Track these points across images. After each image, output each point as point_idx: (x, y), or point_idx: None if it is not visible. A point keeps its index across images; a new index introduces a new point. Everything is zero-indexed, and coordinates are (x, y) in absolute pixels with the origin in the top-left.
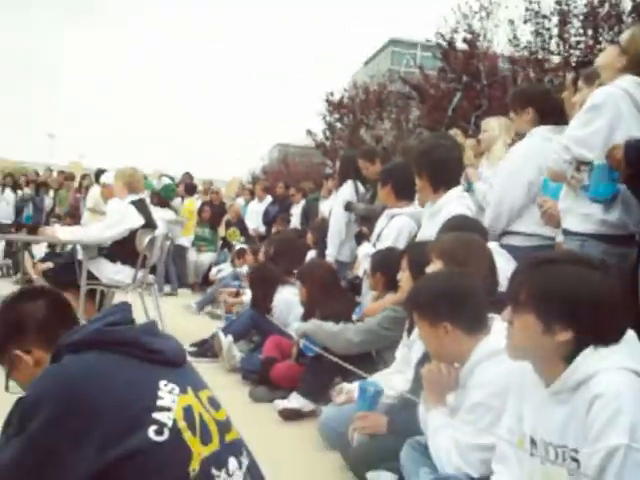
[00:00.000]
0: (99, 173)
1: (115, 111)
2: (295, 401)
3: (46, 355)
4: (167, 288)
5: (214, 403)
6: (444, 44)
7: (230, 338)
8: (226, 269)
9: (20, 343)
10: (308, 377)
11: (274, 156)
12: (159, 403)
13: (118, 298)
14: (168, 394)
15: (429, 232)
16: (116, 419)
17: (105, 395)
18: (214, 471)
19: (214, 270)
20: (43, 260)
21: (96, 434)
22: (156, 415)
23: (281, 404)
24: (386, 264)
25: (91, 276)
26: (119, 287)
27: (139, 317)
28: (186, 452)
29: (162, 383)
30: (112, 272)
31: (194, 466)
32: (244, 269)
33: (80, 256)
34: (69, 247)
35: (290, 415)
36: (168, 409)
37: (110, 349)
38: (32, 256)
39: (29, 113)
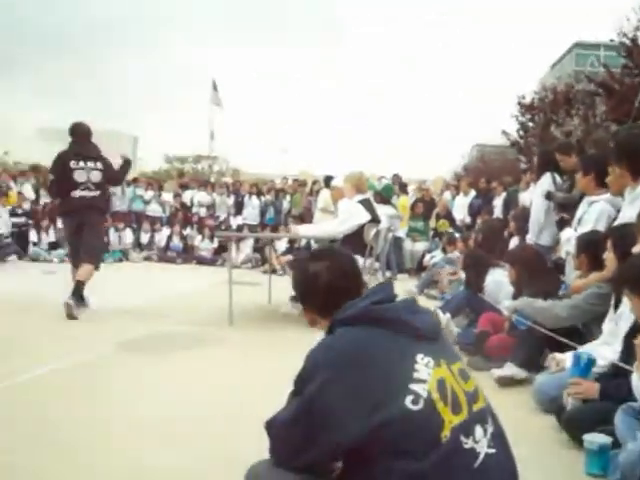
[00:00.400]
0: (328, 179)
1: (334, 124)
2: (509, 369)
3: (324, 321)
4: (388, 274)
5: (464, 375)
6: (627, 42)
7: (448, 315)
8: (437, 255)
9: (309, 302)
10: (520, 348)
11: (473, 155)
12: (415, 375)
13: None
14: (424, 367)
15: (629, 215)
16: (379, 389)
17: (371, 367)
18: (462, 438)
19: (427, 257)
20: (284, 253)
21: (362, 402)
22: (413, 386)
23: (497, 372)
24: (590, 246)
25: None
26: None
27: None
28: (438, 420)
29: (419, 357)
30: None
31: (445, 433)
32: (455, 255)
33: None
34: (304, 242)
35: (506, 382)
36: (424, 381)
37: (376, 324)
38: (275, 250)
39: (266, 132)
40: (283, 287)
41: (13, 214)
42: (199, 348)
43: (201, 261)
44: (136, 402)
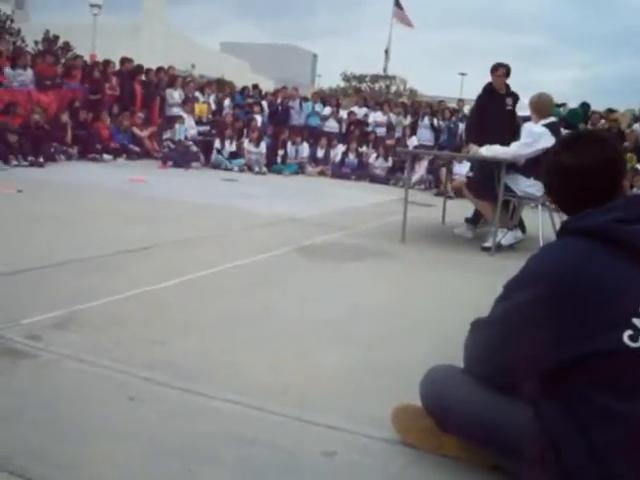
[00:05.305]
0: None
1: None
2: None
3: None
4: None
5: None
6: None
7: None
8: None
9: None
10: None
11: None
12: None
13: (526, 211)
14: None
15: None
16: (594, 315)
17: (589, 290)
18: None
19: None
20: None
21: (572, 324)
22: (635, 320)
23: None
24: None
25: (507, 189)
26: (531, 199)
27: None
28: None
29: None
30: (526, 185)
31: None
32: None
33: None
34: None
35: None
36: None
37: (611, 244)
38: (451, 172)
39: (444, 56)
40: (457, 210)
41: (199, 123)
42: (370, 259)
43: (374, 179)
44: (305, 301)
